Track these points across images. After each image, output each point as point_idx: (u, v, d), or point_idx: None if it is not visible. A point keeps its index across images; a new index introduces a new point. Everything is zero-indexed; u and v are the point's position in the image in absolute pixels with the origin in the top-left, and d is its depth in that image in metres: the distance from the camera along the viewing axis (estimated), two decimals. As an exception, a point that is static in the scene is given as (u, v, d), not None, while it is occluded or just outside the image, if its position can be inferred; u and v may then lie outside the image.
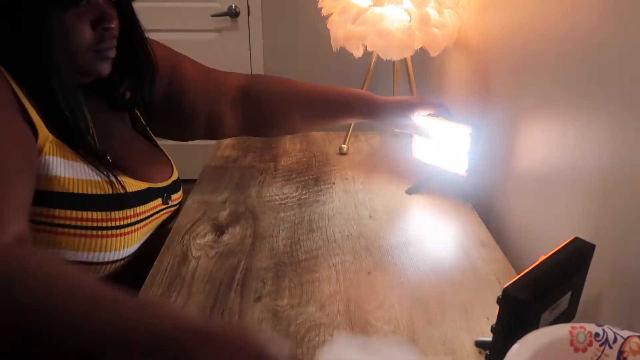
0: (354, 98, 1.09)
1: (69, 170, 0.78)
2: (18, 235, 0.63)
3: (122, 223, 0.83)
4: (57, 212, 0.76)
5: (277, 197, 1.11)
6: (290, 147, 1.41)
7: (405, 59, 1.45)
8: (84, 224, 0.78)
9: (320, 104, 1.11)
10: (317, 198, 1.11)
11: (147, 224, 0.90)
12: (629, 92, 0.64)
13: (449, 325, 0.73)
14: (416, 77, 1.49)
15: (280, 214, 1.04)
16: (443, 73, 1.59)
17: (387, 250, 0.92)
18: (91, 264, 0.79)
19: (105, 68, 0.84)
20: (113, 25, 0.80)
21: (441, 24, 1.21)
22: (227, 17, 2.43)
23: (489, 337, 0.68)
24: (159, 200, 0.93)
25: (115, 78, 0.90)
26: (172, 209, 0.99)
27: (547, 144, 0.87)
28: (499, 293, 0.80)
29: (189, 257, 0.89)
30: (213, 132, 1.11)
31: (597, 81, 0.71)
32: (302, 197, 1.11)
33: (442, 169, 1.11)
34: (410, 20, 1.18)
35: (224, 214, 1.04)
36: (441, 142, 1.09)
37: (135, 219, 0.86)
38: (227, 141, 1.45)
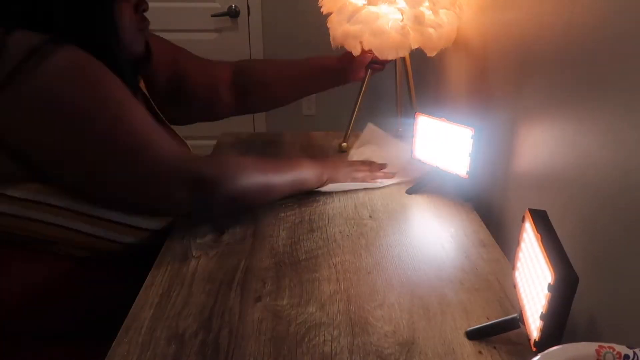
0: (322, 71, 1.32)
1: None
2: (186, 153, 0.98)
3: None
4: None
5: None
6: (291, 147, 1.41)
7: (404, 59, 1.45)
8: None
9: (298, 77, 1.33)
10: (317, 198, 1.11)
11: None
12: (628, 93, 0.64)
13: (449, 325, 0.73)
14: (416, 78, 1.49)
15: (280, 214, 1.04)
16: (442, 74, 1.59)
17: (387, 250, 0.92)
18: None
19: (143, 46, 0.97)
20: (147, 7, 0.94)
21: (436, 24, 1.21)
22: (227, 17, 2.43)
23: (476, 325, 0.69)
24: None
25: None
26: None
27: (547, 145, 0.87)
28: (499, 293, 0.80)
29: (189, 257, 0.89)
30: (211, 112, 1.29)
31: (597, 82, 0.71)
32: (302, 197, 1.11)
33: (442, 169, 1.11)
34: (403, 19, 1.18)
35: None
36: (442, 143, 1.09)
37: None
38: (227, 141, 1.45)
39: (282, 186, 1.02)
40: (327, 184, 1.09)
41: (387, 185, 1.17)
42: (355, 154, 1.30)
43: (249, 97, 1.29)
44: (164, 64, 1.13)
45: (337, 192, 1.14)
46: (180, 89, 1.19)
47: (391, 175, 1.19)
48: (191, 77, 1.20)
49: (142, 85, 1.07)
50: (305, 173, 1.05)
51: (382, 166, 1.21)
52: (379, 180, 1.16)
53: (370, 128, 1.38)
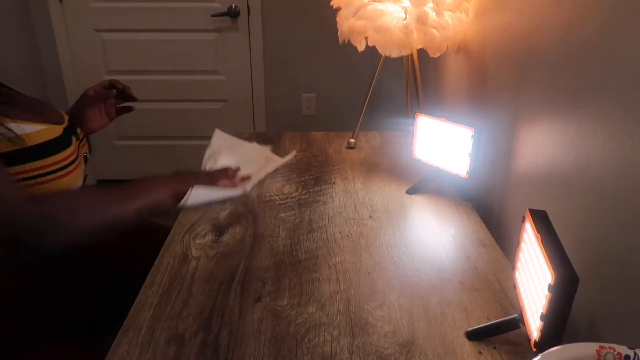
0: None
1: (20, 129, 0.87)
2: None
3: (69, 161, 0.96)
4: (27, 166, 0.88)
5: (277, 197, 1.11)
6: (290, 147, 1.41)
7: (412, 59, 1.46)
8: (46, 170, 0.90)
9: None
10: (317, 198, 1.11)
11: (79, 159, 1.02)
12: (628, 94, 0.64)
13: (449, 325, 0.73)
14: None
15: (280, 214, 1.04)
16: (443, 74, 1.59)
17: (387, 250, 0.92)
18: None
19: None
20: None
21: (440, 26, 1.21)
22: (227, 17, 2.43)
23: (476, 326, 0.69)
24: (74, 139, 1.01)
25: None
26: (84, 142, 1.09)
27: (547, 145, 0.87)
28: (499, 293, 0.80)
29: (189, 257, 0.89)
30: None
31: (596, 83, 0.71)
32: (302, 197, 1.11)
33: (442, 169, 1.11)
34: (406, 18, 1.19)
35: (224, 214, 1.04)
36: (442, 143, 1.09)
37: (73, 157, 0.98)
38: (227, 141, 1.45)
39: (130, 214, 0.91)
40: (186, 198, 0.99)
41: (251, 188, 1.13)
42: (208, 163, 1.23)
43: None
44: None
45: (337, 192, 1.14)
46: None
47: (248, 177, 1.15)
48: None
49: None
50: (155, 194, 0.96)
51: (236, 170, 1.14)
52: (240, 186, 1.12)
53: (218, 134, 1.34)
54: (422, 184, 1.15)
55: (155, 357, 0.67)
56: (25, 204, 0.81)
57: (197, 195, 1.00)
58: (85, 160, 1.07)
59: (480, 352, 0.68)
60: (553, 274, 0.54)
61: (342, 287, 0.81)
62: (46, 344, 0.88)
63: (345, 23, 1.28)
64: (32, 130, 0.89)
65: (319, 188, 1.16)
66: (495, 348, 0.69)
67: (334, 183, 1.19)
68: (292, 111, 2.65)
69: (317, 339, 0.70)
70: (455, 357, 0.67)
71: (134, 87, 1.22)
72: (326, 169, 1.27)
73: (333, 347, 0.68)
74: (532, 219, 0.64)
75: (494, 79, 1.14)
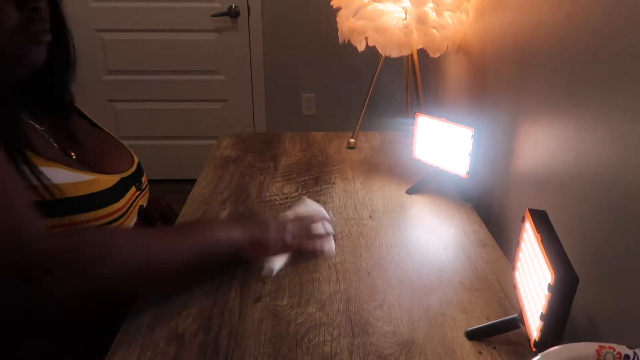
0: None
1: (56, 177, 0.73)
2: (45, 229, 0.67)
3: (114, 217, 0.81)
4: (60, 219, 0.73)
5: (277, 197, 1.11)
6: (290, 147, 1.41)
7: (412, 59, 1.46)
8: (95, 223, 0.77)
9: None
10: (317, 198, 1.11)
11: (131, 212, 0.88)
12: (628, 93, 0.64)
13: (449, 325, 0.73)
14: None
15: (280, 214, 1.04)
16: (443, 74, 1.59)
17: (387, 250, 0.92)
18: None
19: (41, 53, 0.73)
20: (41, 5, 0.69)
21: (440, 26, 1.21)
22: (227, 17, 2.43)
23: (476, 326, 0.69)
24: (133, 188, 0.90)
25: (51, 73, 0.84)
26: (145, 191, 0.97)
27: (547, 145, 0.87)
28: (499, 293, 0.80)
29: (189, 257, 0.89)
30: None
31: (596, 83, 0.71)
32: (302, 197, 1.11)
33: (442, 169, 1.11)
34: (406, 18, 1.19)
35: (224, 214, 1.04)
36: (442, 143, 1.09)
37: (122, 211, 0.84)
38: (227, 141, 1.45)
39: (179, 260, 0.74)
40: (260, 253, 0.82)
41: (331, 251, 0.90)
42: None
43: None
44: None
45: (337, 192, 1.14)
46: None
47: (331, 234, 0.93)
48: None
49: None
50: (222, 234, 0.79)
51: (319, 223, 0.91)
52: (324, 245, 0.90)
53: (306, 201, 1.03)
54: (422, 184, 1.15)
55: (155, 357, 0.67)
56: (44, 236, 0.65)
57: (268, 249, 0.83)
58: (140, 213, 0.91)
59: (480, 352, 0.68)
60: (553, 274, 0.54)
61: (342, 287, 0.81)
62: (45, 342, 0.88)
63: (345, 23, 1.28)
64: (67, 181, 0.74)
65: (319, 188, 1.16)
66: (495, 348, 0.69)
67: (334, 183, 1.19)
68: (292, 111, 2.65)
69: (317, 339, 0.70)
70: (455, 357, 0.67)
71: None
72: (326, 169, 1.27)
73: (333, 347, 0.68)
74: (532, 219, 0.64)
75: (494, 79, 1.14)
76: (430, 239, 0.96)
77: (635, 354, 0.48)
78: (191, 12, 2.41)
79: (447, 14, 1.23)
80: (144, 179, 0.96)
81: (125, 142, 1.00)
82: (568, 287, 0.54)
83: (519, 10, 1.00)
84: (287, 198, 1.11)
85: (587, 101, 0.74)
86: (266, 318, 0.74)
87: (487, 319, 0.74)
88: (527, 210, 0.66)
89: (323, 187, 1.17)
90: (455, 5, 1.24)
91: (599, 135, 0.70)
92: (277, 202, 1.09)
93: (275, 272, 0.83)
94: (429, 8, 1.20)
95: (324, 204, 1.08)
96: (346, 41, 1.32)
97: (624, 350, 0.48)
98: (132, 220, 0.88)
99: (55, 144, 0.81)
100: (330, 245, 0.90)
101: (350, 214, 1.04)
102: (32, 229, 0.64)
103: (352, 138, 1.43)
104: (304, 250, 0.87)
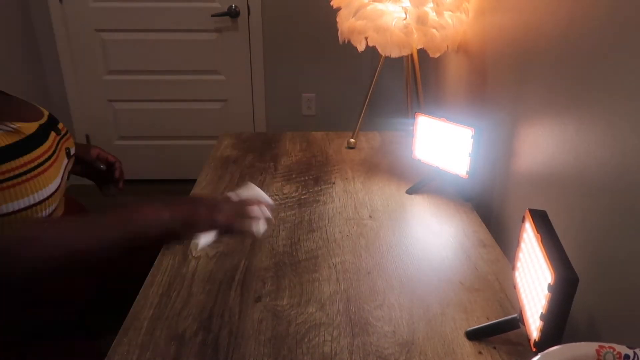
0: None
1: None
2: None
3: (43, 159, 0.87)
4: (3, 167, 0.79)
5: (277, 197, 1.11)
6: (290, 147, 1.41)
7: (412, 59, 1.46)
8: (8, 175, 0.81)
9: None
10: (317, 198, 1.11)
11: (59, 154, 0.94)
12: (628, 93, 0.64)
13: (449, 325, 0.73)
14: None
15: (280, 214, 1.04)
16: (443, 74, 1.59)
17: (387, 250, 0.92)
18: (31, 206, 0.83)
19: None
20: None
21: (440, 26, 1.21)
22: (227, 17, 2.43)
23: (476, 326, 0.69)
24: (53, 133, 0.95)
25: None
26: (67, 136, 1.01)
27: (547, 145, 0.87)
28: (499, 293, 0.80)
29: (189, 257, 0.89)
30: None
31: (596, 83, 0.71)
32: (302, 197, 1.11)
33: (442, 169, 1.11)
34: (406, 18, 1.19)
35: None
36: (442, 143, 1.09)
37: (49, 153, 0.90)
38: (227, 141, 1.45)
39: (110, 243, 0.75)
40: (190, 231, 0.78)
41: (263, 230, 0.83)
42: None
43: None
44: None
45: (337, 192, 1.14)
46: None
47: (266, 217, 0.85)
48: None
49: None
50: (145, 218, 0.77)
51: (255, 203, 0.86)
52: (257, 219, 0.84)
53: (249, 186, 0.96)
54: (422, 184, 1.15)
55: (155, 357, 0.67)
56: None
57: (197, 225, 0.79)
58: (68, 155, 0.98)
59: (480, 352, 0.68)
60: (553, 274, 0.54)
61: (342, 287, 0.81)
62: (46, 343, 0.88)
63: (345, 23, 1.28)
64: None
65: (319, 188, 1.16)
66: (495, 348, 0.69)
67: (334, 183, 1.19)
68: (292, 111, 2.65)
69: (317, 339, 0.70)
70: (455, 357, 0.67)
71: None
72: (326, 169, 1.27)
73: (333, 347, 0.68)
74: (532, 218, 0.64)
75: (494, 79, 1.14)
76: (430, 239, 0.96)
77: (635, 354, 0.48)
78: (191, 12, 2.41)
79: (447, 14, 1.23)
80: (60, 125, 1.00)
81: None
82: (568, 287, 0.54)
83: (519, 11, 1.00)
84: (287, 198, 1.11)
85: (587, 101, 0.74)
86: (266, 318, 0.74)
87: (487, 319, 0.74)
88: (527, 210, 0.66)
89: (323, 187, 1.17)
90: (455, 5, 1.24)
91: (599, 135, 0.70)
92: (277, 202, 1.09)
93: (200, 247, 0.81)
94: (429, 8, 1.20)
95: (324, 204, 1.08)
96: (346, 41, 1.31)
97: (624, 350, 0.48)
98: (61, 161, 0.95)
99: None
100: (259, 226, 0.82)
101: (350, 214, 1.04)
102: None
103: (352, 138, 1.43)
104: (234, 229, 0.80)
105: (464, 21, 1.26)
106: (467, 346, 0.69)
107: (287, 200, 1.10)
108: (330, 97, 2.60)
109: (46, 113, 1.00)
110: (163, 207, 0.79)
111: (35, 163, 0.86)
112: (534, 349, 0.59)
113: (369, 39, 1.24)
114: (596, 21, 0.72)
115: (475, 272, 0.86)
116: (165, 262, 0.87)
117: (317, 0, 2.29)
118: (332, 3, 1.35)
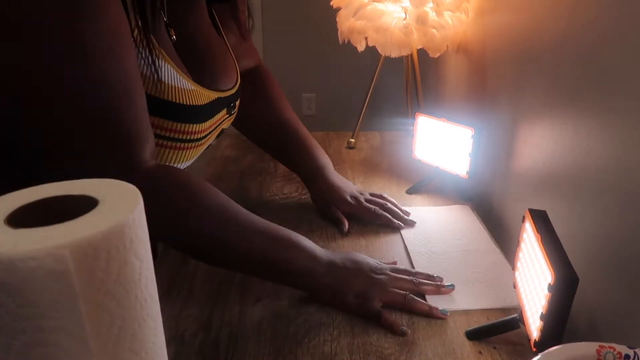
0: (302, 161, 1.05)
1: (163, 72, 0.66)
2: (152, 152, 0.64)
3: (194, 137, 0.76)
4: (158, 121, 0.68)
5: (277, 197, 1.11)
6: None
7: (412, 59, 1.46)
8: (173, 135, 0.71)
9: (286, 151, 1.09)
10: (317, 198, 1.10)
11: (212, 135, 0.83)
12: (628, 94, 0.64)
13: (449, 325, 0.73)
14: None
15: (280, 214, 1.04)
16: (443, 74, 1.59)
17: (387, 250, 0.92)
18: None
19: None
20: None
21: (440, 25, 1.21)
22: (227, 17, 2.43)
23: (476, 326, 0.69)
24: (224, 111, 0.83)
25: None
26: (232, 117, 0.88)
27: (547, 145, 0.87)
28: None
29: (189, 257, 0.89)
30: None
31: (596, 83, 0.71)
32: (302, 197, 1.11)
33: (442, 169, 1.11)
34: (406, 18, 1.19)
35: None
36: (442, 143, 1.09)
37: (204, 133, 0.78)
38: (227, 141, 1.45)
39: (247, 256, 0.70)
40: (331, 302, 0.75)
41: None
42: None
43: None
44: None
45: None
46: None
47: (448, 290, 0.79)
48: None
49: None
50: (297, 259, 0.72)
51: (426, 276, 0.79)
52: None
53: None
54: (422, 184, 1.15)
55: (155, 357, 0.67)
56: (148, 169, 0.62)
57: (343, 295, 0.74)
58: (219, 134, 0.87)
59: (480, 352, 0.68)
60: (553, 274, 0.55)
61: (342, 287, 0.81)
62: None
63: (345, 23, 1.28)
64: (170, 82, 0.68)
65: (319, 188, 1.16)
66: (495, 348, 0.69)
67: (334, 183, 1.18)
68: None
69: (317, 338, 0.70)
70: (455, 357, 0.67)
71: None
72: (326, 169, 1.27)
73: (333, 347, 0.68)
74: (532, 218, 0.64)
75: (494, 79, 1.14)
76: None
77: (635, 354, 0.48)
78: (191, 12, 2.42)
79: (447, 14, 1.23)
80: (237, 102, 0.88)
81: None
82: (568, 287, 0.54)
83: (518, 11, 1.00)
84: (287, 198, 1.11)
85: (587, 101, 0.74)
86: (266, 318, 0.74)
87: (487, 319, 0.74)
88: (527, 210, 0.66)
89: (323, 187, 1.16)
90: (455, 5, 1.24)
91: (599, 135, 0.70)
92: (277, 202, 1.09)
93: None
94: (428, 8, 1.20)
95: (324, 204, 1.08)
96: (346, 41, 1.31)
97: (624, 350, 0.48)
98: (208, 142, 0.84)
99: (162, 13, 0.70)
100: (444, 309, 0.74)
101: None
102: (142, 152, 0.61)
103: (352, 138, 1.43)
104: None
105: (463, 21, 1.26)
106: (467, 346, 0.69)
107: (287, 200, 1.10)
108: (330, 97, 2.61)
109: (239, 82, 0.88)
110: (321, 261, 0.73)
111: (182, 136, 0.74)
112: (534, 349, 0.59)
113: (368, 39, 1.24)
114: (596, 21, 0.72)
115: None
116: (165, 262, 0.87)
117: (317, 0, 2.29)
118: (332, 3, 1.35)
